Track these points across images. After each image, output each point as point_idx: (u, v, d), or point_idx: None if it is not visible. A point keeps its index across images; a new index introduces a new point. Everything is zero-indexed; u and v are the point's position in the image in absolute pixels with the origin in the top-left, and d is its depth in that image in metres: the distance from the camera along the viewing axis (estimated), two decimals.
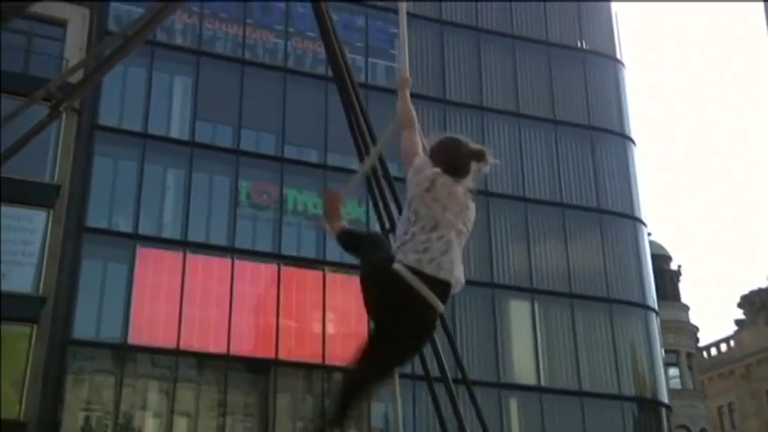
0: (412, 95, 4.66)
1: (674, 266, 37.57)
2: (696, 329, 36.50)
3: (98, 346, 23.01)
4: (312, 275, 25.37)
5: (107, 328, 23.28)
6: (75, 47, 23.96)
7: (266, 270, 24.98)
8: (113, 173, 24.78)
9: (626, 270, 29.47)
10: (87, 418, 20.74)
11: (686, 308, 36.19)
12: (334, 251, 26.05)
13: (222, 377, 23.70)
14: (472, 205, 4.01)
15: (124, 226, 24.20)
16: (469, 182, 4.14)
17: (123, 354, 23.06)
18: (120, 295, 23.30)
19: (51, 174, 23.19)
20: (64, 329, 22.24)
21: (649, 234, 31.59)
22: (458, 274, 3.82)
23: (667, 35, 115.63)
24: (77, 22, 24.84)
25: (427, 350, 3.97)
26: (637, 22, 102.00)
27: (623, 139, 31.74)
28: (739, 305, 42.82)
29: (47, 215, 22.61)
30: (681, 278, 37.52)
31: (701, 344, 40.52)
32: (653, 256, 31.01)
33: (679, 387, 32.13)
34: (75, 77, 6.89)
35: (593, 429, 26.42)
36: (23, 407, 20.51)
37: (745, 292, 42.61)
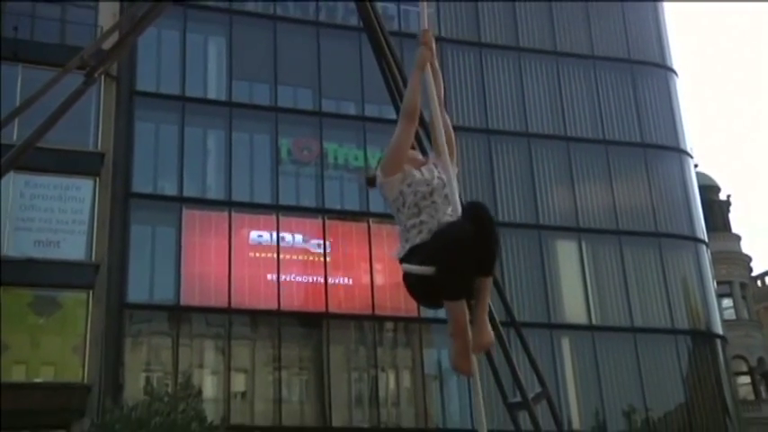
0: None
1: (722, 197, 37.01)
2: (749, 259, 36.05)
3: (153, 308, 23.45)
4: (357, 227, 25.48)
5: (160, 291, 23.69)
6: (108, 13, 24.04)
7: (311, 225, 25.14)
8: (155, 137, 24.99)
9: (673, 203, 29.11)
10: (148, 379, 21.23)
11: (737, 238, 35.72)
12: (378, 203, 26.10)
13: (275, 333, 24.04)
14: (442, 156, 3.96)
15: (169, 190, 24.47)
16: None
17: (177, 315, 23.49)
18: (169, 258, 23.64)
19: (95, 142, 23.49)
20: (119, 294, 22.70)
21: (696, 165, 31.11)
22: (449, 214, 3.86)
23: None
24: None
25: None
26: None
27: (665, 70, 31.13)
28: None
29: (93, 183, 22.96)
30: (730, 208, 36.96)
31: (755, 273, 40.03)
32: (700, 188, 30.57)
33: (733, 318, 31.85)
34: (109, 43, 6.89)
35: (647, 365, 26.38)
36: (86, 370, 21.07)
37: None
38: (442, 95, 4.18)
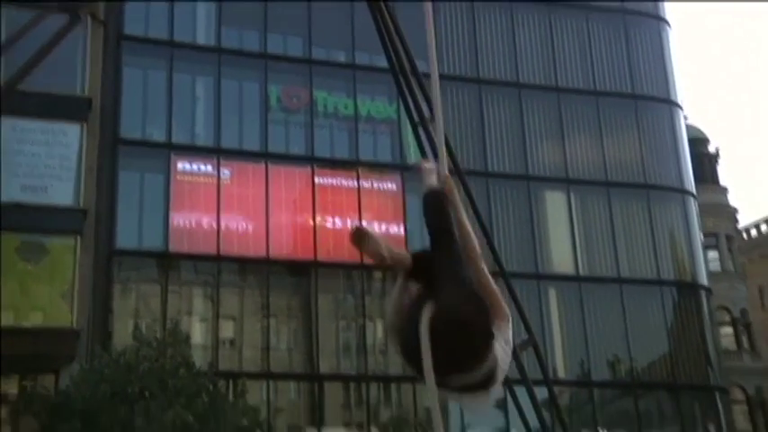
0: None
1: (711, 149, 37.07)
2: (735, 211, 36.26)
3: (141, 255, 23.48)
4: (346, 176, 25.45)
5: (149, 238, 23.69)
6: None
7: (301, 173, 25.10)
8: (143, 83, 24.77)
9: (663, 155, 29.16)
10: (137, 325, 21.29)
11: (725, 190, 35.88)
12: (368, 152, 26.08)
13: (264, 281, 24.14)
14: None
15: (158, 136, 24.34)
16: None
17: (166, 262, 23.53)
18: (158, 205, 23.61)
19: (82, 87, 23.24)
20: (107, 241, 22.69)
21: (686, 118, 31.10)
22: None
23: None
24: None
25: None
26: None
27: (657, 21, 30.94)
28: None
29: (80, 128, 22.77)
30: (719, 161, 37.06)
31: (742, 225, 40.28)
32: (690, 140, 30.59)
33: (719, 270, 32.11)
34: None
35: (633, 315, 26.64)
36: (75, 316, 21.14)
37: None
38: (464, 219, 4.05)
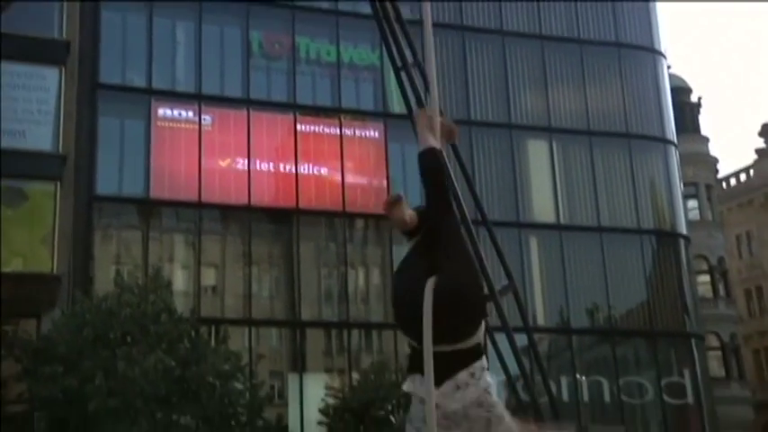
0: None
1: (693, 99, 37.07)
2: (716, 161, 36.39)
3: (122, 201, 23.37)
4: (328, 123, 25.31)
5: (129, 184, 23.57)
6: None
7: (283, 120, 24.93)
8: (122, 27, 24.40)
9: (645, 104, 29.15)
10: (118, 272, 21.29)
11: (706, 140, 35.96)
12: (351, 99, 25.92)
13: (246, 228, 24.11)
14: None
15: (138, 81, 24.05)
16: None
17: (147, 208, 23.45)
18: (139, 151, 23.44)
19: (60, 30, 22.86)
20: (87, 187, 22.55)
21: (669, 67, 31.02)
22: None
23: None
24: None
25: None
26: None
27: None
28: (760, 134, 42.50)
29: (59, 72, 22.44)
30: (701, 110, 37.10)
31: (721, 175, 40.50)
32: (672, 89, 30.56)
33: (698, 218, 32.34)
34: None
35: (612, 264, 26.88)
36: (55, 262, 21.07)
37: (767, 120, 42.20)
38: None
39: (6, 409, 19.17)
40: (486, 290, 3.86)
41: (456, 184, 3.99)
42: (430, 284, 3.54)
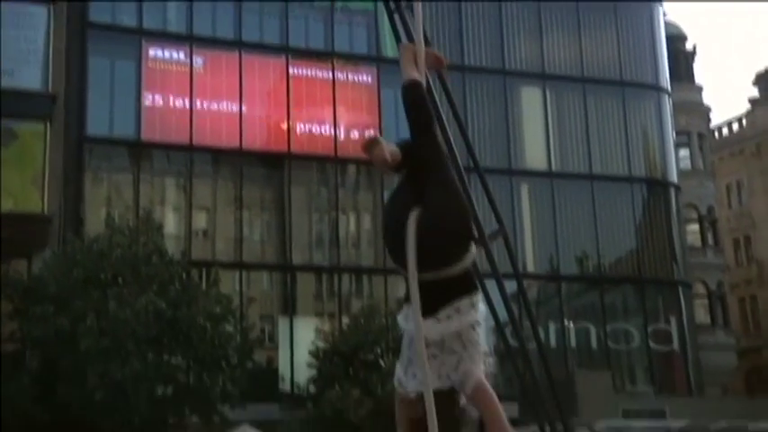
0: None
1: (688, 47, 36.78)
2: (709, 110, 36.21)
3: (113, 143, 23.22)
4: (321, 67, 25.08)
5: (120, 126, 23.39)
6: None
7: (275, 64, 24.68)
8: None
9: (640, 52, 28.93)
10: (109, 214, 21.23)
11: (699, 89, 35.72)
12: (344, 42, 25.64)
13: (237, 172, 24.03)
14: None
15: (128, 21, 23.72)
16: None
17: (138, 150, 23.31)
18: (130, 92, 23.22)
19: None
20: (77, 127, 22.38)
21: (665, 14, 30.73)
22: None
23: None
24: None
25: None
26: None
27: None
28: (754, 83, 42.24)
29: (47, 11, 22.08)
30: (695, 59, 36.82)
31: (714, 124, 40.35)
32: (667, 37, 30.28)
33: (689, 168, 32.29)
34: None
35: (602, 212, 26.94)
36: (46, 203, 20.98)
37: (762, 70, 41.90)
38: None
39: None
40: (472, 217, 3.82)
41: (448, 129, 3.96)
42: (413, 217, 3.57)
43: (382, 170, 3.67)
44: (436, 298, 3.59)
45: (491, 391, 3.54)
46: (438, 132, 3.78)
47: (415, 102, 3.81)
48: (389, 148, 3.68)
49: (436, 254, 3.57)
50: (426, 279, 3.56)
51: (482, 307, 3.64)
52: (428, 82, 3.97)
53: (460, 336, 3.58)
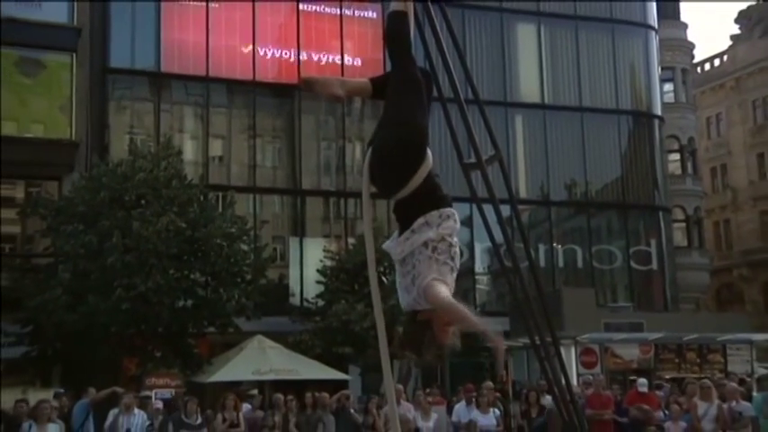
0: None
1: None
2: (692, 46, 35.74)
3: (134, 74, 23.00)
4: (329, 3, 24.68)
5: (141, 58, 23.15)
6: None
7: (285, 1, 24.27)
8: None
9: None
10: (132, 140, 21.17)
11: (684, 26, 35.18)
12: None
13: (250, 102, 23.85)
14: None
15: None
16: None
17: (158, 81, 23.11)
18: (150, 26, 22.91)
19: None
20: (101, 59, 22.16)
21: None
22: None
23: None
24: None
25: (439, 71, 3.86)
26: None
27: None
28: (736, 20, 41.62)
29: None
30: None
31: (697, 60, 39.87)
32: None
33: (672, 101, 32.03)
34: None
35: (591, 141, 26.85)
36: (73, 129, 20.92)
37: (743, 7, 41.27)
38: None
39: (34, 260, 19.50)
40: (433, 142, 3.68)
41: (450, 61, 3.87)
42: (367, 160, 3.54)
43: (337, 101, 3.67)
44: (410, 216, 3.48)
45: (440, 287, 3.25)
46: (413, 63, 3.66)
47: (392, 31, 3.68)
48: (341, 83, 3.69)
49: (394, 172, 3.48)
50: (399, 199, 3.50)
51: (456, 224, 3.49)
52: (427, 16, 3.85)
53: (427, 243, 3.36)
